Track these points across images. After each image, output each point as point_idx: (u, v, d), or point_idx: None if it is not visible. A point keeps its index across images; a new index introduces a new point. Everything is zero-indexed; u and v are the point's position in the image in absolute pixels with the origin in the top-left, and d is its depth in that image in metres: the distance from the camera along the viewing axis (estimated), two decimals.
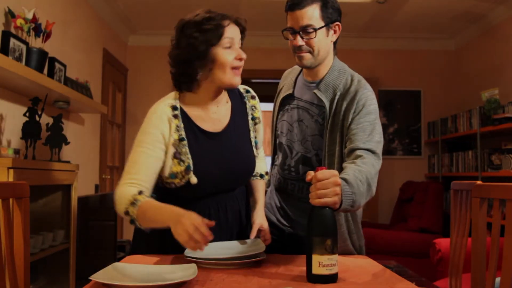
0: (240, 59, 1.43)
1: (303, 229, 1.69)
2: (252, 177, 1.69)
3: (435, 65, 5.44)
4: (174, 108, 1.47)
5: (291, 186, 1.71)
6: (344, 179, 1.31)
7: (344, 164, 1.47)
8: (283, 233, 1.74)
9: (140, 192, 1.37)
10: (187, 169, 1.42)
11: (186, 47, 1.40)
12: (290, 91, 1.75)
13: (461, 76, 5.31)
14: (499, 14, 4.40)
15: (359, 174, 1.37)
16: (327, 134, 1.59)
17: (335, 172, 1.22)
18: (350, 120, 1.55)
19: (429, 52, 5.44)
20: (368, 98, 1.57)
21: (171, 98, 1.50)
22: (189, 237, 1.18)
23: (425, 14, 4.61)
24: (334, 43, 1.68)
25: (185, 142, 1.44)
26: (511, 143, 3.98)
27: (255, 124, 1.63)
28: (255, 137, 1.63)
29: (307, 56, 1.60)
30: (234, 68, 1.43)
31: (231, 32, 1.42)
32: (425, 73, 5.42)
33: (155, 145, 1.42)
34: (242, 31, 1.47)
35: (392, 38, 5.34)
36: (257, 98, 1.67)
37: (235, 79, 1.45)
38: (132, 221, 1.36)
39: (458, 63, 5.36)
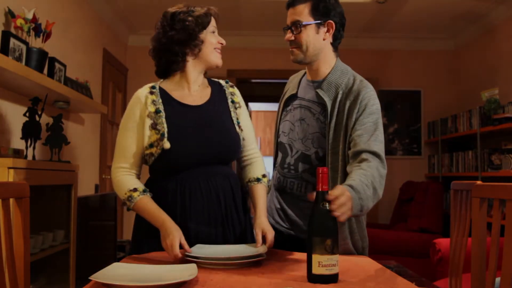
0: (221, 44, 1.65)
1: (302, 230, 1.70)
2: (249, 183, 1.70)
3: (435, 65, 5.44)
4: (152, 87, 1.63)
5: (290, 185, 1.73)
6: (350, 186, 1.36)
7: (349, 168, 1.51)
8: (282, 235, 1.74)
9: (135, 189, 1.54)
10: (162, 135, 1.54)
11: (182, 29, 1.57)
12: (294, 91, 1.79)
13: (461, 76, 5.31)
14: (499, 14, 4.40)
15: (364, 178, 1.43)
16: (330, 133, 1.61)
17: (343, 188, 1.31)
18: (354, 120, 1.58)
19: (429, 52, 5.44)
20: (371, 98, 1.61)
21: (152, 83, 1.66)
22: (167, 253, 1.40)
23: (425, 14, 4.61)
24: (334, 44, 1.71)
25: (162, 113, 1.57)
26: (511, 143, 3.98)
27: (236, 108, 1.71)
28: (237, 118, 1.69)
29: (295, 51, 1.69)
30: (216, 50, 1.64)
31: (214, 21, 1.65)
32: (425, 73, 5.42)
33: (135, 125, 1.58)
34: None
35: (392, 38, 5.34)
36: (236, 88, 1.78)
37: (219, 59, 1.65)
38: (128, 209, 1.56)
39: (458, 63, 5.36)
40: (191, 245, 1.46)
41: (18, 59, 2.49)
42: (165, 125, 1.55)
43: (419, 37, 5.32)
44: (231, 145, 1.64)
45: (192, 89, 1.65)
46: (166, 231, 1.44)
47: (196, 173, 1.57)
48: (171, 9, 1.62)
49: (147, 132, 1.56)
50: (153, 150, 1.55)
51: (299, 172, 1.69)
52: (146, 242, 1.58)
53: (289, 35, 1.67)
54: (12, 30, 2.60)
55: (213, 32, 1.63)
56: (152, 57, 1.66)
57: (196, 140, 1.56)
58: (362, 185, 1.40)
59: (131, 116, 1.59)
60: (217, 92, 1.71)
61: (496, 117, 3.90)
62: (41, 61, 2.70)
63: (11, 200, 1.37)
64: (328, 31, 1.67)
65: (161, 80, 1.68)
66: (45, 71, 2.84)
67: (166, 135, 1.53)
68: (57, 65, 2.98)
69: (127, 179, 1.58)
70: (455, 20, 4.75)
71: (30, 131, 2.54)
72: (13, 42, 2.44)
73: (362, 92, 1.61)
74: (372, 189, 1.43)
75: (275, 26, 5.02)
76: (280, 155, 1.78)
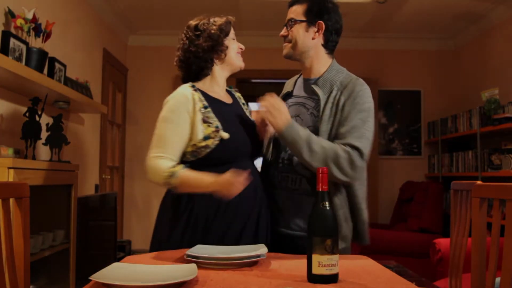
0: (241, 49, 1.81)
1: (294, 224, 1.73)
2: None
3: (435, 65, 5.44)
4: (192, 86, 1.71)
5: (284, 179, 1.77)
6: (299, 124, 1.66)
7: None
8: (277, 234, 1.76)
9: (174, 166, 1.57)
10: (217, 128, 1.63)
11: (208, 37, 1.70)
12: (290, 90, 1.89)
13: (461, 76, 5.31)
14: (499, 14, 4.41)
15: (312, 137, 1.61)
16: (322, 126, 1.68)
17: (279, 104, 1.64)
18: (345, 115, 1.66)
19: (429, 52, 5.44)
20: (364, 96, 1.69)
21: (188, 83, 1.72)
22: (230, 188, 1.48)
23: (425, 14, 4.61)
24: (327, 46, 1.78)
25: (209, 109, 1.66)
26: (511, 143, 3.98)
27: (247, 109, 1.89)
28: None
29: (286, 45, 1.81)
30: (238, 53, 1.79)
31: (232, 29, 1.79)
32: (425, 73, 5.42)
33: (181, 119, 1.62)
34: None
35: (392, 38, 5.34)
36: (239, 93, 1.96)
37: (242, 62, 1.80)
38: (172, 188, 1.59)
39: (458, 63, 5.36)
40: (238, 241, 1.59)
41: (18, 59, 2.49)
42: (215, 119, 1.64)
43: (419, 37, 5.32)
44: (260, 142, 1.79)
45: (221, 91, 1.79)
46: (221, 180, 1.48)
47: (245, 165, 1.66)
48: (193, 21, 1.75)
49: (200, 126, 1.62)
50: (209, 142, 1.61)
51: (293, 165, 1.74)
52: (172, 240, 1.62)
53: (283, 31, 1.81)
54: (12, 30, 2.60)
55: (233, 39, 1.78)
56: (179, 67, 1.77)
57: (243, 133, 1.70)
58: (305, 131, 1.61)
59: (176, 111, 1.63)
60: (232, 96, 1.87)
61: (496, 117, 3.90)
62: (41, 61, 2.70)
63: (11, 200, 1.37)
64: (318, 31, 1.76)
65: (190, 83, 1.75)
66: (45, 71, 2.84)
67: (220, 126, 1.63)
68: (57, 65, 2.98)
69: (165, 162, 1.58)
70: (455, 20, 4.75)
71: (30, 131, 2.54)
72: (13, 42, 2.44)
73: (357, 89, 1.69)
74: (306, 146, 1.58)
75: (275, 26, 5.00)
76: (275, 152, 1.84)
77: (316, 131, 1.70)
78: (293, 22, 1.76)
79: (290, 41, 1.79)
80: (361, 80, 1.74)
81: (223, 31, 1.72)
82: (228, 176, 1.47)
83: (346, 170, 1.60)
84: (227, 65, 1.77)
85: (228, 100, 1.80)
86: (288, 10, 1.80)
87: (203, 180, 1.54)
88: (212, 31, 1.70)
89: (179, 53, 1.74)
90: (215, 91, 1.76)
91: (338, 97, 1.69)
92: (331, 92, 1.71)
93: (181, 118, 1.62)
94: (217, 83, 1.77)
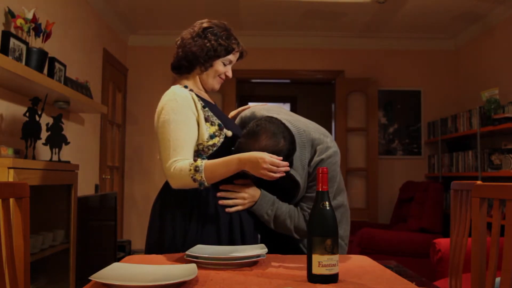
0: (226, 76, 1.77)
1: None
2: None
3: (435, 65, 5.44)
4: (185, 87, 1.69)
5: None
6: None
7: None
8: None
9: (195, 160, 1.55)
10: (220, 126, 1.64)
11: (200, 46, 1.68)
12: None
13: (461, 76, 5.31)
14: (499, 14, 4.41)
15: (293, 212, 1.71)
16: None
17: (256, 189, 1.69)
18: None
19: (429, 52, 5.44)
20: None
21: (179, 85, 1.70)
22: (269, 170, 1.51)
23: (425, 14, 4.61)
24: None
25: (207, 108, 1.66)
26: (511, 143, 3.98)
27: None
28: None
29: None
30: (219, 77, 1.76)
31: (234, 57, 1.77)
32: (425, 73, 5.42)
33: (189, 119, 1.60)
34: (239, 58, 1.82)
35: (392, 38, 5.34)
36: None
37: (217, 85, 1.78)
38: (200, 184, 1.54)
39: (458, 63, 5.36)
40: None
41: (18, 59, 2.49)
42: (215, 117, 1.65)
43: (419, 37, 5.32)
44: None
45: (206, 93, 1.80)
46: (253, 157, 1.51)
47: None
48: (207, 23, 1.72)
49: (204, 125, 1.62)
50: (216, 140, 1.62)
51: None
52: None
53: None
54: (12, 30, 2.60)
55: (226, 64, 1.74)
56: (177, 47, 1.75)
57: (237, 131, 1.71)
58: (281, 209, 1.70)
59: (182, 112, 1.59)
60: None
61: (496, 117, 3.90)
62: (41, 61, 2.70)
63: (11, 200, 1.37)
64: None
65: (183, 81, 1.75)
66: (45, 71, 2.84)
67: (222, 125, 1.64)
68: (57, 65, 2.98)
69: (184, 161, 1.55)
70: (455, 20, 4.75)
71: (30, 131, 2.54)
72: (13, 42, 2.44)
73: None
74: (283, 222, 1.70)
75: (275, 26, 5.02)
76: None
77: None
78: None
79: None
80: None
81: (216, 51, 1.69)
82: (268, 160, 1.50)
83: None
84: (202, 79, 1.76)
85: (212, 101, 1.80)
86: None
87: (231, 160, 1.55)
88: (208, 44, 1.68)
89: (181, 36, 1.75)
90: (202, 93, 1.76)
91: None
92: None
93: (189, 118, 1.59)
94: (204, 85, 1.77)
